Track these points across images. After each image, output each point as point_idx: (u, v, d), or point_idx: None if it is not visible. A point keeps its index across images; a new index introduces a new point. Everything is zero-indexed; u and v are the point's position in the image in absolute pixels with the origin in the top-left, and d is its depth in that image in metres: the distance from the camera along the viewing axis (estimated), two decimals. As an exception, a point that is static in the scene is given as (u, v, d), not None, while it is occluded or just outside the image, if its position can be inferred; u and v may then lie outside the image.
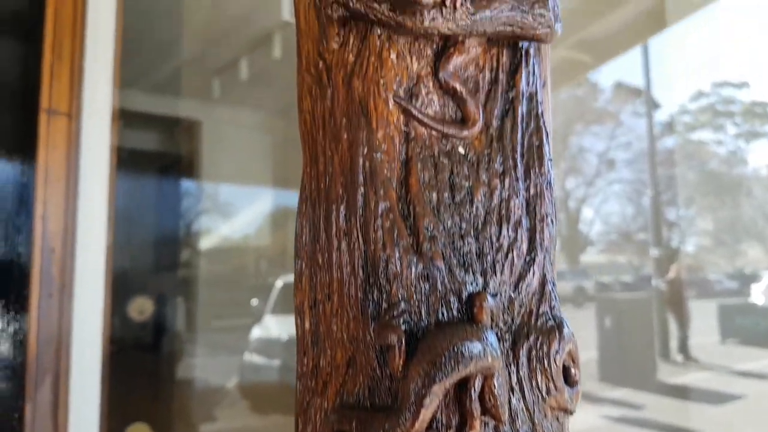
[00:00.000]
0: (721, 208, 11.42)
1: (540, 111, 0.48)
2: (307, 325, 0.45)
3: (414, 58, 0.44)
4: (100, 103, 1.73)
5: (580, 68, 5.43)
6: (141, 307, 2.01)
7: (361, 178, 0.42)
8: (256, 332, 5.42)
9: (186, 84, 4.82)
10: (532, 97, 0.48)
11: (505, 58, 0.47)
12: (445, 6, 0.41)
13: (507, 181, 0.45)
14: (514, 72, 0.47)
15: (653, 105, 9.02)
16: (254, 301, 6.08)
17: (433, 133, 0.44)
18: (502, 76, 0.47)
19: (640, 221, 10.37)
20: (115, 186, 1.77)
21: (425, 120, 0.44)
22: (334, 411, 0.43)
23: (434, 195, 0.43)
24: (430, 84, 0.45)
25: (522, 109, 0.47)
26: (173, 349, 3.70)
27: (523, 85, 0.47)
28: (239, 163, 5.86)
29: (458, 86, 0.45)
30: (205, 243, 6.14)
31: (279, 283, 5.81)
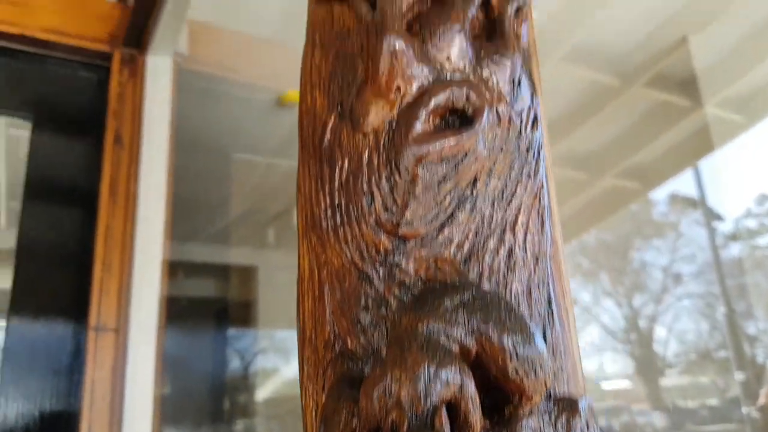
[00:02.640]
0: (804, 315, 10.68)
1: None
2: None
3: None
4: (148, 312, 1.75)
5: (629, 195, 5.36)
6: None
7: None
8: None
9: (240, 233, 4.96)
10: None
11: None
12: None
13: None
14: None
15: (712, 215, 8.77)
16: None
17: None
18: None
19: (718, 337, 9.74)
20: (160, 401, 1.74)
21: None
22: None
23: None
24: None
25: None
26: None
27: None
28: (295, 306, 5.86)
29: None
30: (261, 393, 6.02)
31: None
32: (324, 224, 0.44)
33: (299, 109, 0.56)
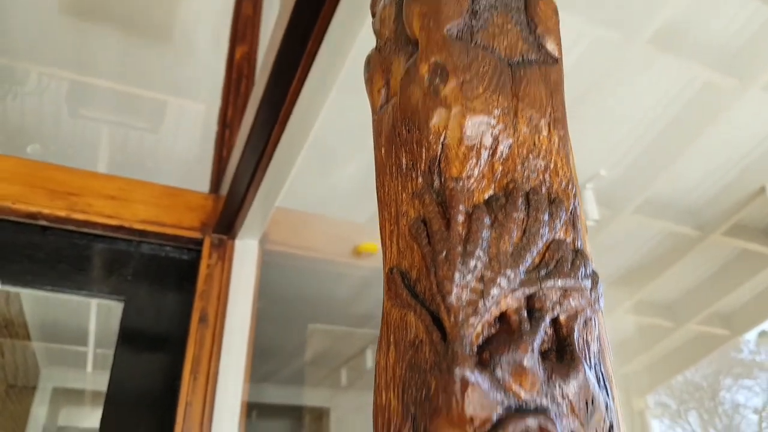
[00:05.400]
0: None
1: None
2: None
3: None
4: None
5: (718, 341, 5.08)
6: None
7: None
8: None
9: (313, 376, 4.96)
10: None
11: None
12: None
13: None
14: None
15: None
16: None
17: None
18: None
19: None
20: None
21: None
22: None
23: None
24: None
25: None
26: None
27: None
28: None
29: None
30: None
31: None
32: None
33: (374, 402, 0.60)
